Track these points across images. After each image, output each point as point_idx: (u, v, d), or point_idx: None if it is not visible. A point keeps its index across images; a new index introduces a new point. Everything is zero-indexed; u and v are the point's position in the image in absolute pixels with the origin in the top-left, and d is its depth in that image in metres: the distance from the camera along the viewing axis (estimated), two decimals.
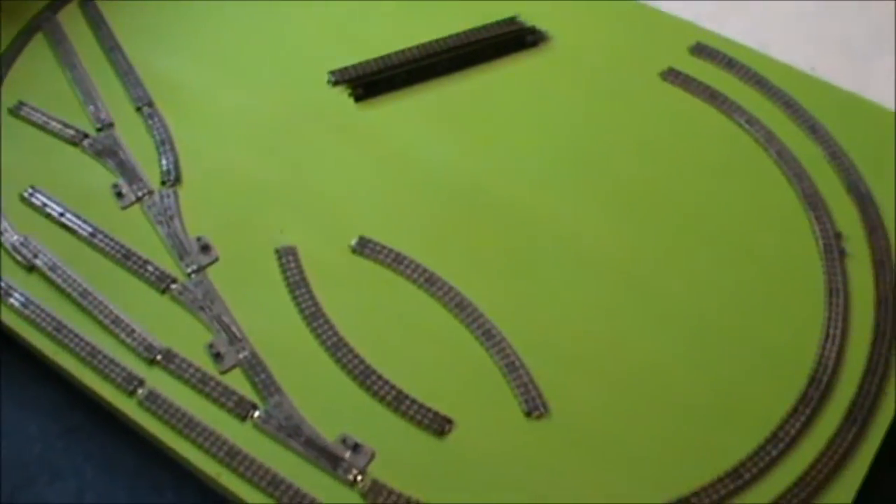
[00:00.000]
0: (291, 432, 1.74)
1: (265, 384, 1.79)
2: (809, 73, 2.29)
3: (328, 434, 1.75)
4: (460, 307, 1.88)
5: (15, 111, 2.23)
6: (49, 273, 1.95)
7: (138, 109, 2.22)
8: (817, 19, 2.46)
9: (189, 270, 1.94)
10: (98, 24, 2.39)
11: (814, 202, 2.02)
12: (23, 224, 2.04)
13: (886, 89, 2.30)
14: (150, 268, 1.94)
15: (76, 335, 1.87)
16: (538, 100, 2.24)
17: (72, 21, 2.39)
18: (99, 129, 2.19)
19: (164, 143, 2.15)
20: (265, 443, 1.75)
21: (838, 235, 1.97)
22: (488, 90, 2.26)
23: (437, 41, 2.29)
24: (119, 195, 2.07)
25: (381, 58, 2.27)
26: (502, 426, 1.77)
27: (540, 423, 1.77)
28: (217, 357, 1.83)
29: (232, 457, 1.72)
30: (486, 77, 2.28)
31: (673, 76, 2.26)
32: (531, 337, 1.86)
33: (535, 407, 1.77)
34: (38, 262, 1.97)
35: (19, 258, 1.98)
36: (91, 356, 1.84)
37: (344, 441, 1.73)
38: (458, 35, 2.30)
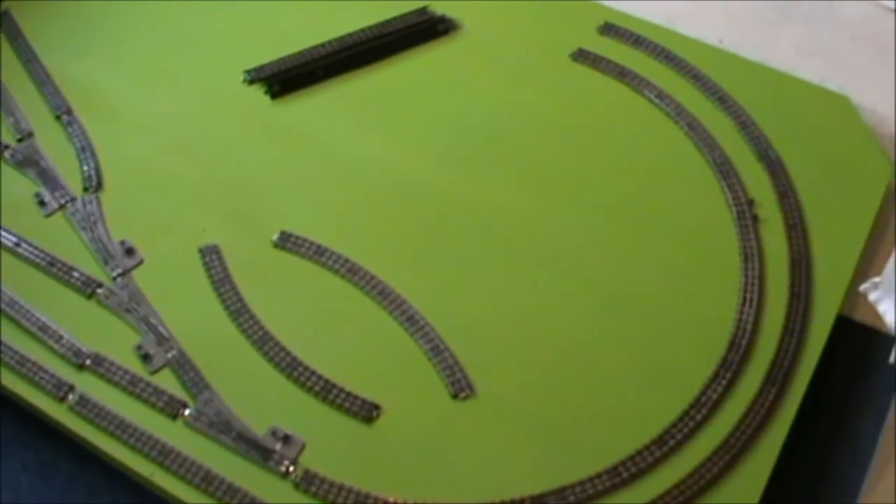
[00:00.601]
0: (222, 428, 1.76)
1: (194, 382, 1.81)
2: (717, 45, 2.34)
3: (258, 427, 1.77)
4: (383, 295, 1.91)
5: None
6: None
7: (57, 118, 2.23)
8: None
9: (114, 274, 1.96)
10: (14, 36, 2.40)
11: (726, 171, 2.06)
12: None
13: (791, 58, 2.34)
14: (75, 274, 1.96)
15: (3, 344, 1.88)
16: (452, 87, 2.28)
17: None
18: (19, 140, 2.20)
19: (85, 150, 2.16)
20: (197, 440, 1.77)
21: (751, 202, 2.01)
22: (403, 80, 2.29)
23: (350, 35, 2.32)
24: (42, 203, 2.08)
25: (296, 54, 2.29)
26: (430, 409, 1.80)
27: (467, 404, 1.80)
28: (146, 358, 1.85)
29: (165, 455, 1.74)
30: (400, 67, 2.31)
31: (583, 56, 2.30)
32: (454, 320, 1.89)
33: (461, 388, 1.80)
34: None
35: None
36: (20, 364, 1.85)
37: (274, 433, 1.75)
38: (370, 28, 2.33)
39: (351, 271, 1.94)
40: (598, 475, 1.70)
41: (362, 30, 2.31)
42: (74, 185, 2.10)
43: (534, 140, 2.15)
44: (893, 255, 1.57)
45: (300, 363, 1.82)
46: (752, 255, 1.93)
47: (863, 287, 1.65)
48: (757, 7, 2.46)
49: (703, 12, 2.43)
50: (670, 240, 1.98)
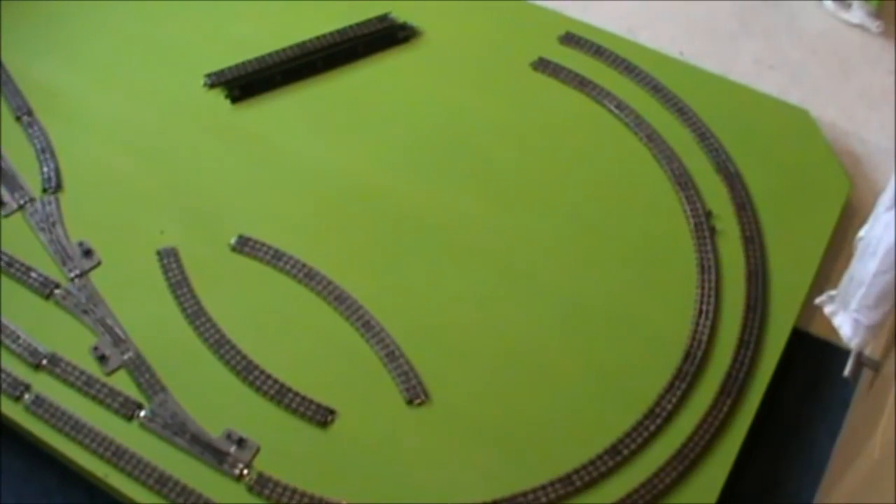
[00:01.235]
0: (177, 430, 1.76)
1: (150, 384, 1.81)
2: (677, 57, 2.35)
3: (213, 430, 1.77)
4: (339, 300, 1.91)
5: None
6: None
7: (18, 119, 2.23)
8: (683, 4, 2.51)
9: (72, 275, 1.95)
10: None
11: (684, 182, 2.07)
12: None
13: (751, 71, 2.36)
14: (33, 274, 1.96)
15: None
16: (412, 94, 2.28)
17: None
18: None
19: (45, 151, 2.15)
20: (151, 441, 1.77)
21: (708, 214, 2.02)
22: (362, 87, 2.29)
23: (311, 40, 2.32)
24: (1, 204, 2.07)
25: (257, 59, 2.29)
26: (385, 414, 1.80)
27: (421, 410, 1.80)
28: (102, 359, 1.85)
29: (119, 457, 1.74)
30: (359, 74, 2.31)
31: (543, 65, 2.31)
32: (410, 326, 1.89)
33: (416, 394, 1.80)
34: None
35: None
36: None
37: (229, 436, 1.75)
38: (331, 34, 2.33)
39: (308, 276, 1.94)
40: (551, 483, 1.71)
41: (323, 35, 2.32)
42: (34, 186, 2.10)
43: (492, 148, 2.15)
44: (849, 268, 1.59)
45: (256, 367, 1.83)
46: (709, 267, 1.95)
47: (818, 300, 1.67)
48: (718, 20, 2.48)
49: (664, 24, 2.45)
50: (627, 250, 1.99)
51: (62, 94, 2.27)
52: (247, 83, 2.25)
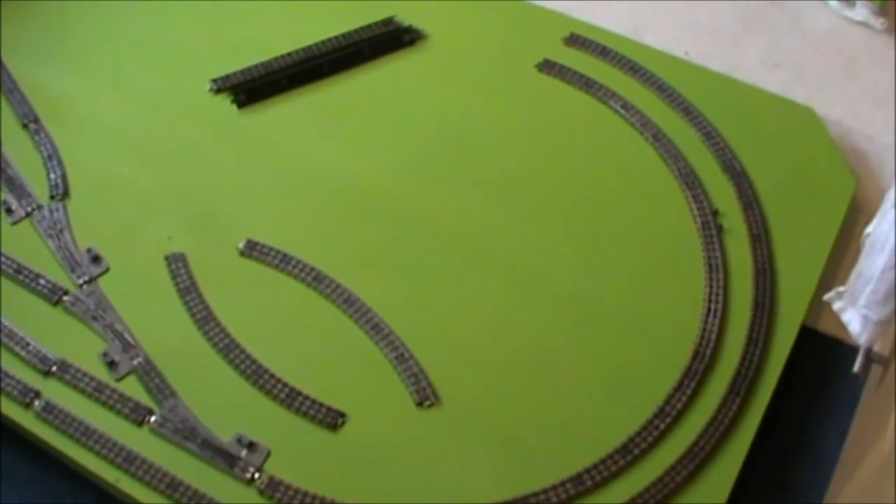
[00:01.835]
0: (187, 434, 1.76)
1: (160, 389, 1.82)
2: (682, 57, 2.35)
3: (223, 434, 1.77)
4: (348, 303, 1.92)
5: None
6: None
7: (24, 126, 2.23)
8: (688, 5, 2.51)
9: (80, 281, 1.96)
10: None
11: (690, 182, 2.07)
12: None
13: (757, 70, 2.36)
14: (42, 281, 1.96)
15: None
16: (418, 97, 2.29)
17: None
18: None
19: (52, 158, 2.16)
20: (162, 446, 1.77)
21: (715, 213, 2.02)
22: (368, 90, 2.29)
23: (316, 44, 2.32)
24: (9, 211, 2.08)
25: (262, 63, 2.30)
26: (394, 417, 1.81)
27: (431, 412, 1.81)
28: (111, 365, 1.85)
29: (130, 462, 1.74)
30: (365, 77, 2.32)
31: (549, 67, 2.31)
32: (419, 329, 1.90)
33: (425, 397, 1.80)
34: None
35: None
36: None
37: (239, 440, 1.75)
38: (336, 37, 2.34)
39: (316, 280, 1.94)
40: (562, 483, 1.71)
41: (328, 40, 2.32)
42: (41, 193, 2.10)
43: (499, 150, 2.16)
44: (857, 265, 1.59)
45: (265, 371, 1.83)
46: (717, 266, 1.95)
47: (827, 296, 1.67)
48: (723, 20, 2.48)
49: (669, 24, 2.45)
50: (635, 250, 1.99)
51: (68, 101, 2.27)
52: (253, 88, 2.26)
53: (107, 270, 1.99)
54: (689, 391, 1.81)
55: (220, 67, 2.30)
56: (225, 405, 1.82)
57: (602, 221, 2.05)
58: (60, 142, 2.20)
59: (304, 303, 1.94)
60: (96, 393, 1.82)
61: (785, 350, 1.87)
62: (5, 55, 2.36)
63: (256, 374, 1.83)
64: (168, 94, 2.29)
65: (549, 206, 2.07)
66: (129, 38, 2.40)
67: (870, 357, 1.64)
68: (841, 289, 1.63)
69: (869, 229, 1.59)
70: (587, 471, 1.73)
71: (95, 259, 1.99)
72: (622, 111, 2.20)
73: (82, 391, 1.83)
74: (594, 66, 2.30)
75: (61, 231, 2.04)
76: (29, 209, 2.08)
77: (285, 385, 1.82)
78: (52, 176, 2.13)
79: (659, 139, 2.14)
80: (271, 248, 1.99)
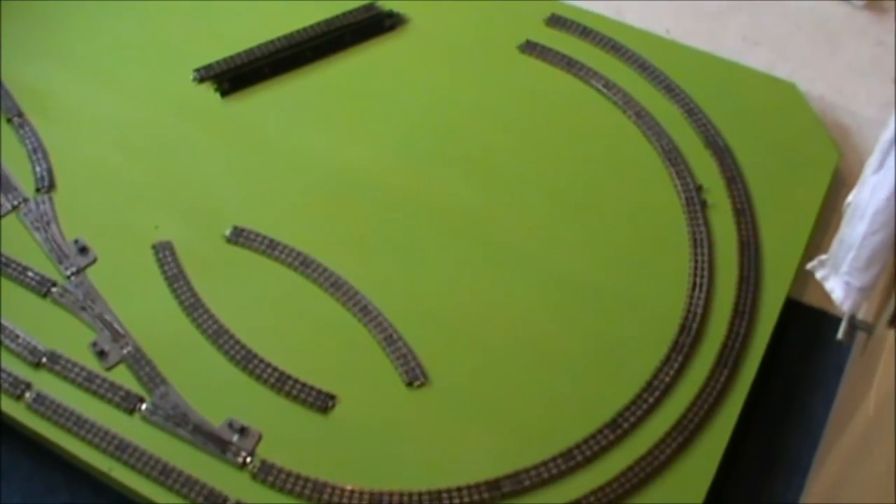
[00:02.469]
0: (179, 421, 1.77)
1: (150, 377, 1.82)
2: (664, 35, 2.36)
3: (215, 420, 1.78)
4: (336, 286, 1.92)
5: None
6: None
7: (9, 121, 2.23)
8: None
9: (68, 273, 1.96)
10: None
11: (674, 158, 2.08)
12: None
13: (738, 47, 2.37)
14: (29, 273, 1.96)
15: None
16: (400, 81, 2.29)
17: None
18: None
19: (37, 151, 2.16)
20: (154, 433, 1.78)
21: (699, 188, 2.03)
22: (351, 75, 2.30)
23: (298, 31, 2.33)
24: None
25: (245, 52, 2.30)
26: (385, 398, 1.82)
27: (421, 392, 1.81)
28: (101, 355, 1.85)
29: (122, 450, 1.75)
30: (348, 63, 2.32)
31: (531, 48, 2.32)
32: (407, 309, 1.91)
33: (415, 377, 1.81)
34: None
35: None
36: None
37: (231, 425, 1.76)
38: (318, 24, 2.34)
39: (304, 264, 1.95)
40: (553, 459, 1.72)
41: (310, 26, 2.33)
42: (27, 186, 2.10)
43: (483, 132, 2.16)
44: (839, 232, 1.59)
45: (255, 356, 1.84)
46: (702, 240, 1.96)
47: (810, 265, 1.67)
48: None
49: (650, 4, 2.46)
50: (620, 227, 2.01)
51: (52, 95, 2.28)
52: (236, 76, 2.27)
53: (94, 261, 1.99)
54: (676, 365, 1.82)
55: (202, 57, 2.30)
56: (215, 391, 1.83)
57: (587, 200, 2.05)
58: (45, 135, 2.21)
59: (292, 287, 1.95)
60: (87, 383, 1.83)
61: (771, 322, 1.88)
62: None
63: (246, 360, 1.84)
64: (152, 85, 2.29)
65: (534, 186, 2.08)
66: (112, 31, 2.40)
67: (853, 324, 1.66)
68: (823, 257, 1.64)
69: (850, 198, 1.59)
70: (577, 446, 1.74)
71: (83, 250, 2.00)
72: (604, 90, 2.20)
73: (73, 381, 1.84)
74: (576, 46, 2.31)
75: (48, 223, 2.04)
76: (15, 202, 2.08)
77: (275, 369, 1.83)
78: (38, 169, 2.13)
79: (642, 117, 2.15)
80: (258, 234, 2.00)
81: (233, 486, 1.72)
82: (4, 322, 1.90)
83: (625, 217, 2.02)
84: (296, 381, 1.81)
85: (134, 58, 2.35)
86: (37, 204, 2.07)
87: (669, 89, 2.19)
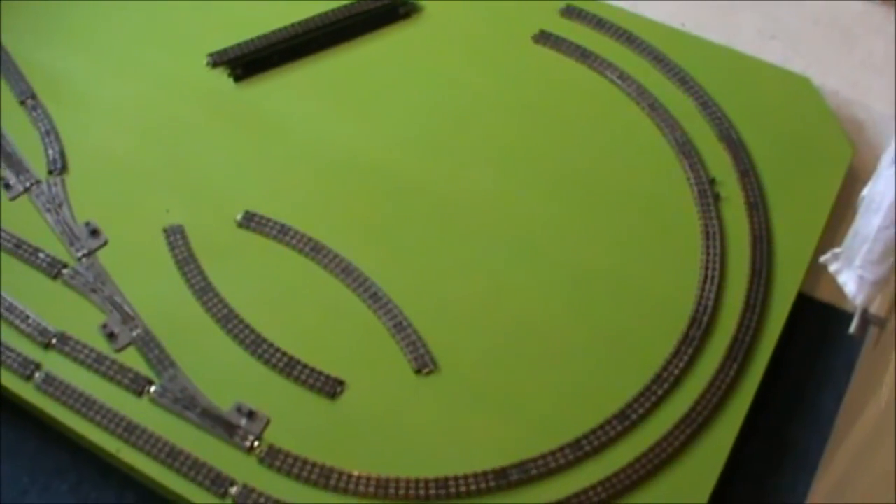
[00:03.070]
0: (187, 404, 1.77)
1: (159, 359, 1.82)
2: (679, 28, 2.35)
3: (223, 404, 1.78)
4: (346, 272, 1.92)
5: None
6: None
7: (22, 103, 2.23)
8: None
9: (79, 255, 1.96)
10: None
11: (687, 150, 2.07)
12: None
13: (754, 41, 2.36)
14: (41, 255, 1.96)
15: None
16: (414, 69, 2.29)
17: None
18: None
19: (49, 134, 2.16)
20: (162, 416, 1.78)
21: (712, 181, 2.03)
22: (365, 63, 2.30)
23: (312, 18, 2.32)
24: (7, 187, 2.08)
25: (259, 37, 2.30)
26: (393, 385, 1.81)
27: (430, 380, 1.81)
28: (111, 337, 1.85)
29: (130, 432, 1.75)
30: (361, 50, 2.32)
31: (545, 38, 2.31)
32: (417, 297, 1.90)
33: (424, 364, 1.81)
34: None
35: None
36: None
37: (239, 409, 1.76)
38: (332, 11, 2.33)
39: (314, 250, 1.95)
40: (560, 449, 1.72)
41: (324, 13, 2.32)
42: (39, 168, 2.10)
43: (496, 121, 2.16)
44: (853, 225, 1.59)
45: (264, 340, 1.83)
46: (714, 233, 1.95)
47: (823, 258, 1.67)
48: None
49: None
50: (633, 218, 2.00)
51: (65, 78, 2.28)
52: (249, 61, 2.26)
53: (105, 244, 1.99)
54: (686, 357, 1.81)
55: (216, 42, 2.30)
56: (224, 375, 1.83)
57: (599, 191, 2.05)
58: (58, 118, 2.21)
59: (303, 273, 1.94)
60: (96, 364, 1.83)
61: (782, 316, 1.87)
62: (3, 33, 2.36)
63: (255, 344, 1.84)
64: (165, 69, 2.29)
65: (546, 176, 2.07)
66: (126, 14, 2.40)
67: (866, 318, 1.65)
68: (837, 250, 1.63)
69: (865, 191, 1.59)
70: (585, 436, 1.74)
71: (94, 233, 2.00)
72: (619, 82, 2.20)
73: (82, 363, 1.84)
74: (590, 37, 2.30)
75: (60, 205, 2.04)
76: (27, 184, 2.08)
77: (284, 354, 1.82)
78: (50, 151, 2.13)
79: (655, 109, 2.15)
80: (269, 220, 2.00)
81: (240, 470, 1.72)
82: (15, 303, 1.90)
83: (637, 208, 2.01)
84: (304, 366, 1.81)
85: (148, 42, 2.35)
86: (49, 186, 2.07)
87: (684, 81, 2.19)
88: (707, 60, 2.25)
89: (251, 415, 1.76)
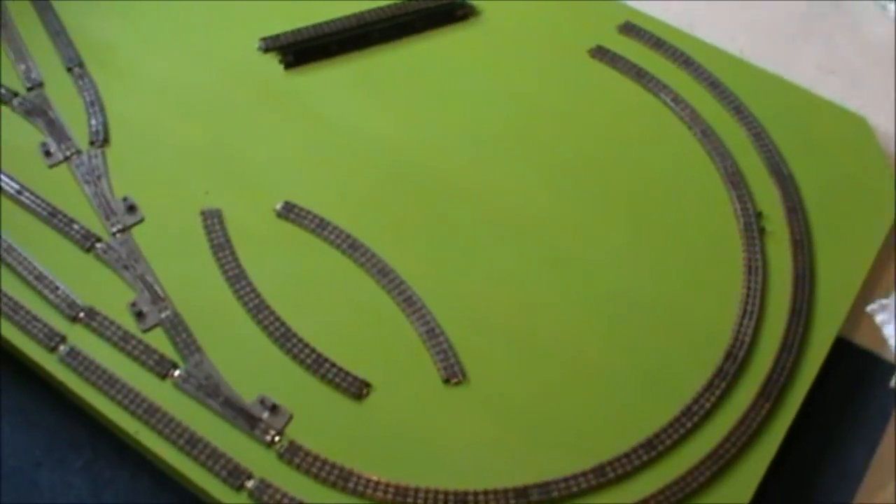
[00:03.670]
0: (210, 392, 1.75)
1: (186, 344, 1.80)
2: (736, 55, 2.32)
3: (246, 395, 1.75)
4: (382, 273, 1.90)
5: None
6: None
7: (69, 70, 2.22)
8: (746, 3, 2.49)
9: (114, 230, 1.95)
10: None
11: (736, 181, 2.05)
12: None
13: (812, 75, 2.33)
14: (75, 226, 1.94)
15: None
16: (466, 73, 2.27)
17: None
18: (29, 89, 2.19)
19: (94, 104, 2.14)
20: (184, 401, 1.76)
21: (759, 214, 2.00)
22: (417, 61, 2.28)
23: (368, 11, 2.30)
24: (47, 154, 2.06)
25: (313, 26, 2.27)
26: (420, 392, 1.79)
27: (457, 390, 1.79)
28: (139, 316, 1.83)
29: (150, 414, 1.73)
30: (415, 49, 2.30)
31: (601, 54, 2.29)
32: (452, 305, 1.88)
33: (453, 374, 1.79)
34: None
35: None
36: (13, 311, 1.84)
37: (262, 402, 1.74)
38: (389, 6, 2.31)
39: (352, 247, 1.93)
40: (584, 473, 1.69)
41: (380, 7, 2.30)
42: (81, 138, 2.08)
43: (545, 132, 2.14)
44: None
45: (294, 334, 1.81)
46: (756, 268, 1.93)
47: (870, 307, 1.65)
48: (781, 21, 2.45)
49: (725, 21, 2.42)
50: (675, 245, 1.97)
51: (115, 49, 2.26)
52: (301, 49, 2.24)
53: (141, 221, 1.97)
54: (718, 391, 1.79)
55: (269, 27, 2.28)
56: (250, 365, 1.80)
57: (644, 213, 2.02)
58: (104, 89, 2.19)
59: (338, 270, 1.92)
60: (122, 343, 1.81)
61: (819, 358, 1.84)
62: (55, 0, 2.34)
63: (284, 337, 1.81)
64: (215, 50, 2.27)
65: (590, 194, 2.05)
66: None
67: None
68: (885, 301, 1.61)
69: None
70: (610, 463, 1.71)
71: (131, 209, 1.98)
72: (672, 104, 2.17)
73: (108, 340, 1.82)
74: (647, 56, 2.27)
75: (98, 178, 2.02)
76: (68, 153, 2.06)
77: (312, 350, 1.80)
78: (94, 122, 2.11)
79: (707, 136, 2.12)
80: (308, 212, 1.98)
81: (258, 464, 1.69)
82: (45, 272, 1.88)
83: (681, 236, 1.99)
84: (332, 364, 1.79)
85: (201, 20, 2.33)
86: (89, 157, 2.05)
87: (738, 110, 2.16)
88: (763, 91, 2.22)
89: (274, 409, 1.73)
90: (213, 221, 1.95)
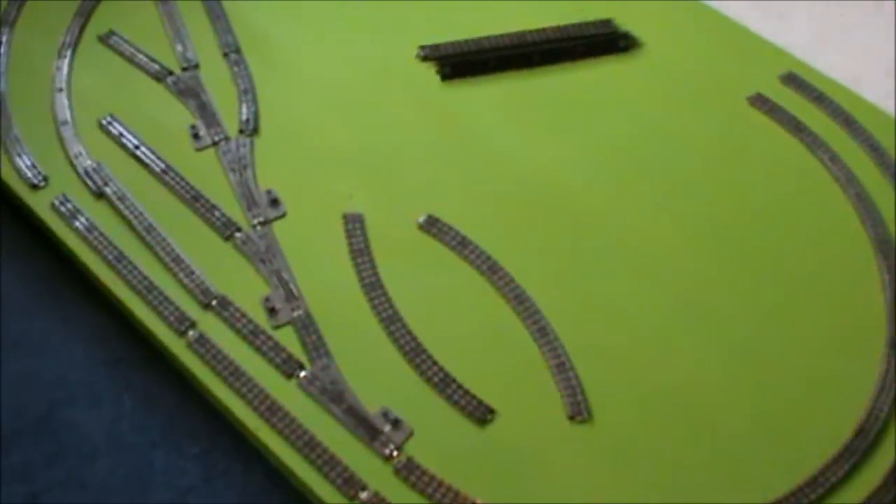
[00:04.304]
0: (334, 397, 1.74)
1: (315, 346, 1.79)
2: None
3: (370, 405, 1.75)
4: (518, 300, 1.88)
5: (104, 39, 2.25)
6: (117, 202, 1.96)
7: (225, 55, 2.23)
8: None
9: (255, 222, 1.95)
10: None
11: (886, 251, 2.00)
12: (97, 150, 2.05)
13: None
14: (217, 213, 1.95)
15: (135, 268, 1.88)
16: (622, 105, 2.24)
17: None
18: (184, 69, 2.20)
19: (247, 93, 2.15)
20: (307, 404, 1.75)
21: None
22: (574, 88, 2.26)
23: (530, 32, 2.28)
24: (195, 136, 2.07)
25: (473, 40, 2.26)
26: (543, 425, 1.77)
27: (581, 428, 1.77)
28: (271, 312, 1.83)
29: (272, 413, 1.72)
30: (573, 75, 2.28)
31: (760, 102, 2.25)
32: (584, 341, 1.85)
33: (578, 411, 1.76)
34: (107, 189, 1.97)
35: (90, 183, 1.99)
36: (147, 291, 1.85)
37: (385, 415, 1.73)
38: (552, 29, 2.29)
39: (491, 270, 1.91)
40: None
41: (543, 29, 2.28)
42: (231, 124, 2.08)
43: (693, 175, 2.11)
44: None
45: (423, 350, 1.80)
46: None
47: None
48: None
49: (892, 81, 2.36)
50: (817, 310, 1.93)
51: (273, 39, 2.27)
52: (460, 62, 2.23)
53: (283, 216, 1.97)
54: (846, 466, 1.74)
55: (429, 36, 2.28)
56: (376, 376, 1.79)
57: (787, 272, 1.98)
58: (258, 78, 2.20)
59: (475, 291, 1.91)
60: (251, 336, 1.81)
61: None
62: None
63: (414, 352, 1.80)
64: (373, 52, 2.28)
65: (736, 244, 2.01)
66: None
67: None
68: None
69: None
70: None
71: (274, 202, 1.98)
72: (829, 163, 2.13)
73: (238, 331, 1.82)
74: (807, 110, 2.23)
75: (244, 167, 2.02)
76: (216, 138, 2.07)
77: (441, 369, 1.79)
78: (245, 110, 2.12)
79: (862, 199, 2.07)
80: (451, 228, 1.96)
81: (374, 477, 1.68)
82: (183, 255, 1.89)
83: (823, 298, 1.94)
84: (459, 385, 1.77)
85: (362, 21, 2.33)
86: (237, 145, 2.06)
87: None
88: None
89: (396, 423, 1.72)
90: (355, 226, 1.95)
